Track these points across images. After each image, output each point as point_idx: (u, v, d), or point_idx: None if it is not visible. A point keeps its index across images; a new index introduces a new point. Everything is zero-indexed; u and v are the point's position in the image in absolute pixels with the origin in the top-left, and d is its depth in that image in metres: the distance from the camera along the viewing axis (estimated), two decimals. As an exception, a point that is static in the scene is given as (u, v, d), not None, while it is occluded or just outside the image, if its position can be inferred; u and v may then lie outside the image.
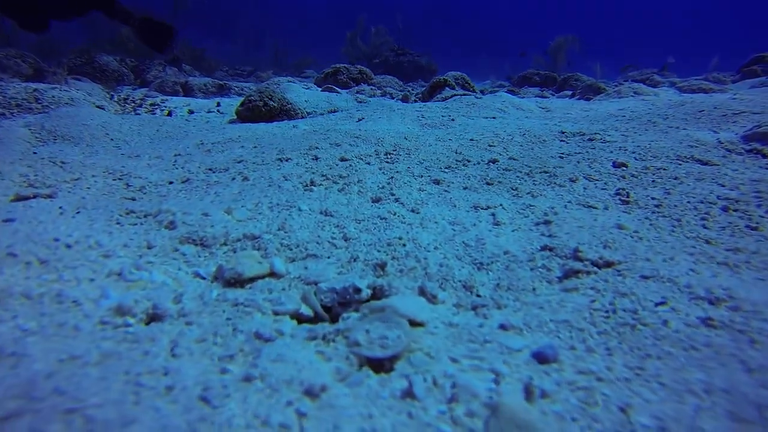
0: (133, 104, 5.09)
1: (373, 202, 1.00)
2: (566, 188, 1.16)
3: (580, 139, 1.91)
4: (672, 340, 0.49)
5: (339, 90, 5.21)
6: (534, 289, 0.62)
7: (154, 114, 4.61)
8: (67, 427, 0.38)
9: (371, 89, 5.59)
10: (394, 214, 0.90)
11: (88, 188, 1.24)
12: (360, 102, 4.95)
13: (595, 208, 1.01)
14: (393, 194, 1.02)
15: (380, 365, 0.49)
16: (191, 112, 4.57)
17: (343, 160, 1.32)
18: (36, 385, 0.42)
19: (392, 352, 0.49)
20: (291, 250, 0.76)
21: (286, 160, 1.35)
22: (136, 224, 0.84)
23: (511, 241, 0.77)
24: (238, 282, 0.65)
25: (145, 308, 0.58)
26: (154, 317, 0.57)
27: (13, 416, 0.37)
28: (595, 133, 1.96)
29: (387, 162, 1.32)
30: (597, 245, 0.71)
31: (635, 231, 0.77)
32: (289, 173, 1.21)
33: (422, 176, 1.20)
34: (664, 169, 1.33)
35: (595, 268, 0.64)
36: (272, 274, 0.68)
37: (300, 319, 0.60)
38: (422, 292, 0.64)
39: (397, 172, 1.22)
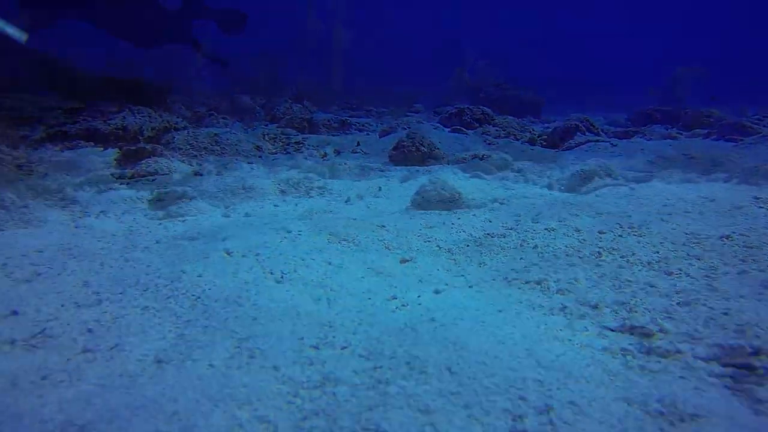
0: (282, 143, 6.40)
1: (668, 275, 1.59)
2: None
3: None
4: None
5: (466, 131, 6.00)
6: None
7: (301, 152, 5.80)
8: None
9: (496, 131, 6.33)
10: (699, 290, 1.47)
11: (420, 251, 2.02)
12: (489, 144, 5.65)
13: None
14: (680, 269, 1.61)
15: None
16: (338, 152, 5.64)
17: (601, 233, 2.00)
18: None
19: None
20: (655, 314, 1.36)
21: (552, 230, 2.03)
22: (533, 289, 1.52)
23: None
24: (649, 336, 1.25)
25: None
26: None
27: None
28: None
29: (637, 236, 1.94)
30: None
31: None
32: (571, 245, 1.87)
33: (680, 251, 1.78)
34: None
35: None
36: (662, 332, 1.28)
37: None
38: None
39: (655, 246, 1.81)
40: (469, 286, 1.69)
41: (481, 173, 6.11)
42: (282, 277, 1.70)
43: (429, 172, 4.11)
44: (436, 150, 4.73)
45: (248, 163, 5.56)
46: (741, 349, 1.14)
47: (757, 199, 2.51)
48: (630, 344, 1.21)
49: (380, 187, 5.98)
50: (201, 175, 4.39)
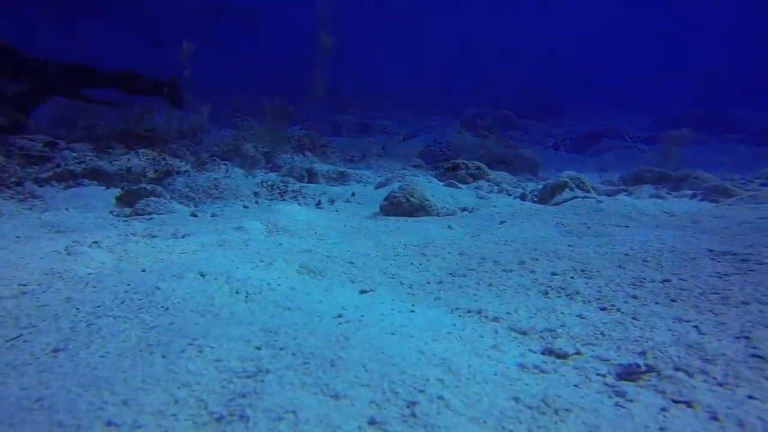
0: (279, 191, 6.51)
1: (601, 310, 1.61)
2: (742, 310, 1.65)
3: (733, 259, 2.35)
4: None
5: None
6: (759, 381, 1.15)
7: (297, 200, 5.88)
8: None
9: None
10: (624, 320, 1.50)
11: (381, 285, 2.03)
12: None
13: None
14: (613, 305, 1.63)
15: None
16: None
17: (554, 274, 1.98)
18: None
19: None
20: (577, 341, 1.39)
21: (510, 271, 2.05)
22: (472, 317, 1.54)
23: (725, 348, 1.31)
24: (565, 357, 1.28)
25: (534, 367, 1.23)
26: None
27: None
28: (747, 254, 2.39)
29: (587, 278, 1.95)
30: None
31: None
32: (523, 284, 1.89)
33: (620, 291, 1.80)
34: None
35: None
36: (578, 354, 1.31)
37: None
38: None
39: (600, 287, 1.84)
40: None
41: (455, 182, 6.19)
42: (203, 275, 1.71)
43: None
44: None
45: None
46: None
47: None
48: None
49: (353, 193, 6.01)
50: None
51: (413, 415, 0.89)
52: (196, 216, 4.50)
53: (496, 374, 1.12)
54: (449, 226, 3.66)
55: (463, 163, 6.51)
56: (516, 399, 1.00)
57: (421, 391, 0.96)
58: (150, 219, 4.27)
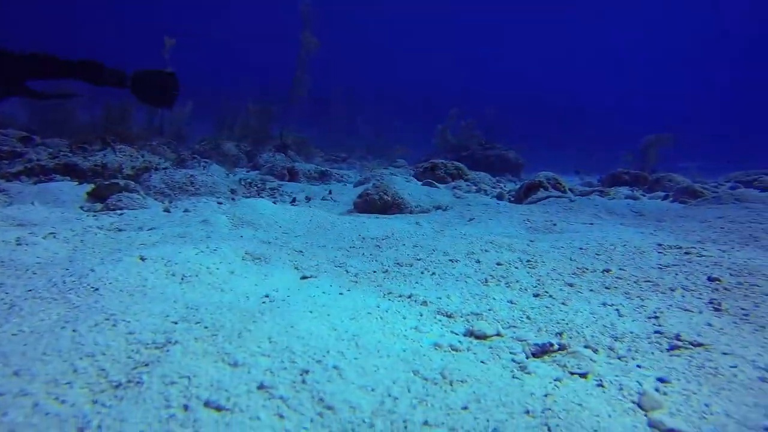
0: (257, 188, 6.52)
1: (534, 297, 1.66)
2: (667, 295, 1.71)
3: (678, 252, 2.42)
4: (739, 384, 1.03)
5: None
6: (652, 353, 1.20)
7: (274, 197, 5.88)
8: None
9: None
10: (553, 305, 1.54)
11: (326, 272, 2.06)
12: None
13: (692, 312, 1.56)
14: (546, 291, 1.67)
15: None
16: (309, 198, 5.78)
17: (498, 264, 2.03)
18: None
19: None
20: (500, 323, 1.43)
21: (456, 261, 2.09)
22: (402, 301, 1.58)
23: (635, 327, 1.36)
24: (484, 337, 1.32)
25: (447, 346, 1.27)
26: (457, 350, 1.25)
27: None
28: (692, 247, 2.46)
29: (530, 267, 2.00)
30: (692, 333, 1.27)
31: (721, 328, 1.32)
32: (465, 273, 1.93)
33: (559, 279, 1.85)
34: (758, 286, 1.82)
35: (691, 346, 1.21)
36: (498, 335, 1.35)
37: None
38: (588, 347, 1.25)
39: (540, 276, 1.89)
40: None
41: (433, 181, 6.25)
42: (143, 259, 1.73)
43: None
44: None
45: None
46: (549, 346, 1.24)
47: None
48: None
49: (330, 191, 6.03)
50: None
51: (303, 381, 0.92)
52: (168, 212, 4.49)
53: (404, 350, 1.15)
54: (417, 223, 3.70)
55: (442, 163, 6.58)
56: (415, 372, 1.04)
57: (318, 362, 0.99)
58: (121, 214, 4.25)
